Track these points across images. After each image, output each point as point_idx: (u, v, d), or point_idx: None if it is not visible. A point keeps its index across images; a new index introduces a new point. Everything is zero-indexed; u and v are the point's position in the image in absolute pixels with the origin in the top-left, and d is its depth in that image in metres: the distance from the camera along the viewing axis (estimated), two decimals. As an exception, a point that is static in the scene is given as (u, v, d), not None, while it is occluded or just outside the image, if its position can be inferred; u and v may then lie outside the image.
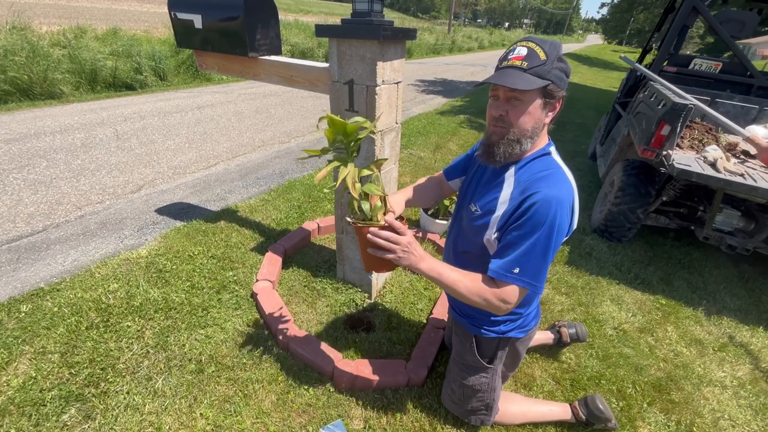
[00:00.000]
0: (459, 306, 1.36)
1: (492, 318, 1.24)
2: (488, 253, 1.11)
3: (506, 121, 1.00)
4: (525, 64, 0.94)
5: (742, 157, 2.57)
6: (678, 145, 2.66)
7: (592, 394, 1.56)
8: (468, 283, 1.05)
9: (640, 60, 4.57)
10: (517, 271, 0.99)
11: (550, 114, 1.02)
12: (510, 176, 1.06)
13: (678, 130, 2.34)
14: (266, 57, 1.89)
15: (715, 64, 3.48)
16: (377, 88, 1.53)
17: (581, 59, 22.86)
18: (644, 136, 2.52)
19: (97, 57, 6.30)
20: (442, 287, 1.08)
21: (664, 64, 3.53)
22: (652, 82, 3.03)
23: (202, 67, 2.17)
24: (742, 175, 2.23)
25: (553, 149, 1.08)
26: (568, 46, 38.17)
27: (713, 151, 2.40)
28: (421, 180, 1.47)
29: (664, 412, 1.70)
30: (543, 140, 1.07)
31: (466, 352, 1.36)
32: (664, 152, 2.41)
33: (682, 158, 2.42)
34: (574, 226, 1.05)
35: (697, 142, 2.71)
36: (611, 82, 13.26)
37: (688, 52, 5.61)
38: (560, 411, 1.55)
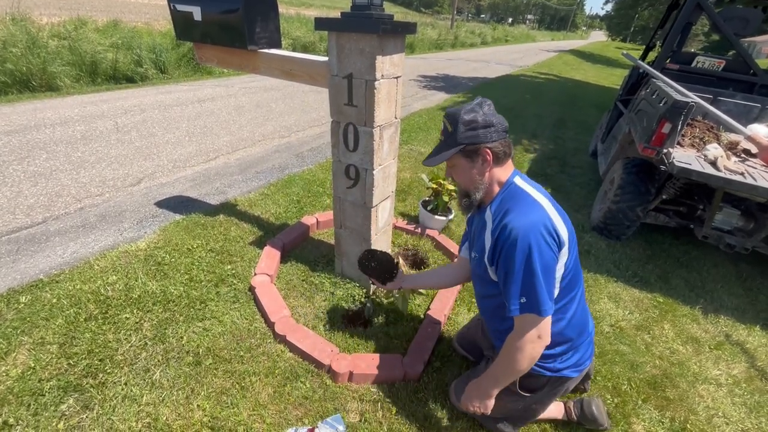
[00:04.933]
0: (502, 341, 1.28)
1: (544, 353, 1.17)
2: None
3: (454, 180, 1.27)
4: (442, 138, 1.21)
5: (742, 155, 2.56)
6: (679, 143, 2.65)
7: (588, 398, 1.54)
8: (502, 362, 1.18)
9: (643, 57, 4.54)
10: (524, 300, 1.06)
11: (486, 164, 1.17)
12: (488, 215, 1.19)
13: (679, 128, 2.34)
14: (266, 50, 1.88)
15: (718, 62, 3.46)
16: (376, 82, 1.53)
17: (584, 56, 22.74)
18: (645, 134, 2.51)
19: (97, 49, 6.28)
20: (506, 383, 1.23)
21: (667, 61, 3.50)
22: (654, 80, 3.02)
23: (201, 60, 2.16)
24: (742, 173, 2.22)
25: (516, 179, 1.19)
26: (572, 43, 37.96)
27: (714, 150, 2.39)
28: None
29: (659, 408, 1.71)
30: (502, 177, 1.20)
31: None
32: (665, 150, 2.40)
33: (683, 156, 2.41)
34: (564, 234, 1.09)
35: (698, 141, 2.71)
36: (614, 79, 13.19)
37: (692, 50, 5.57)
38: (553, 409, 1.55)
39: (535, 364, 1.20)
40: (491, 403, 1.25)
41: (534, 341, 1.09)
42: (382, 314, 1.99)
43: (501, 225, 1.10)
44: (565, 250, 1.09)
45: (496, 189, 1.20)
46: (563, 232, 1.08)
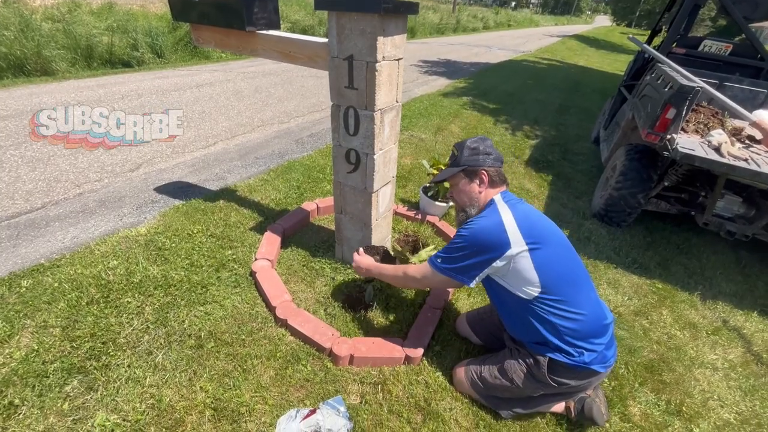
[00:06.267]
0: (521, 335, 1.46)
1: (570, 349, 1.33)
2: (504, 289, 1.37)
3: (454, 199, 1.53)
4: (448, 162, 1.54)
5: (747, 142, 2.54)
6: (683, 129, 2.62)
7: (591, 399, 1.51)
8: (392, 270, 1.62)
9: (649, 41, 4.46)
10: (439, 261, 1.41)
11: (483, 185, 1.42)
12: None
13: (683, 113, 2.30)
14: (264, 32, 1.84)
15: (726, 46, 3.40)
16: (377, 64, 1.50)
17: (588, 41, 22.33)
18: (649, 120, 2.48)
19: (92, 32, 6.16)
20: (379, 278, 1.69)
21: (673, 45, 3.44)
22: (659, 64, 2.97)
23: (198, 41, 2.12)
24: (746, 160, 2.21)
25: (497, 196, 1.41)
26: (576, 28, 37.27)
27: (718, 136, 2.36)
28: None
29: (655, 392, 1.73)
30: (489, 198, 1.43)
31: (533, 368, 1.39)
32: (669, 136, 2.38)
33: (686, 142, 2.39)
34: (515, 241, 1.27)
35: (702, 126, 2.67)
36: (618, 65, 12.98)
37: (698, 35, 5.47)
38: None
39: (566, 357, 1.33)
40: (360, 265, 1.70)
41: (416, 279, 1.51)
42: (382, 299, 2.00)
43: None
44: (511, 252, 1.27)
45: (483, 209, 1.45)
46: (513, 239, 1.27)
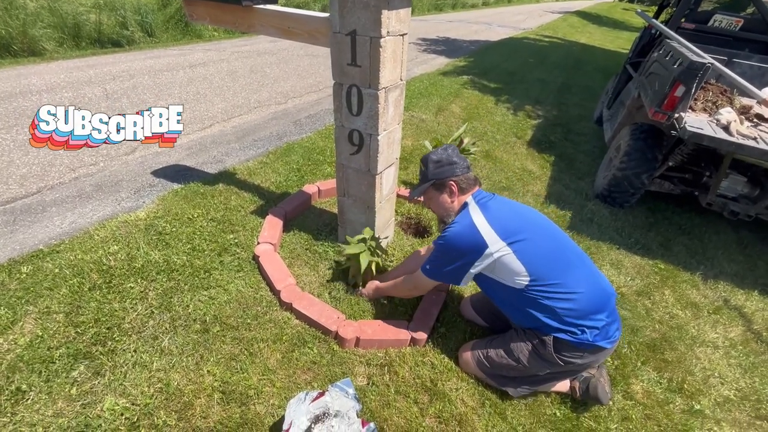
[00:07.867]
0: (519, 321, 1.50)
1: (574, 329, 1.35)
2: (496, 282, 1.41)
3: (432, 210, 1.60)
4: (420, 178, 1.56)
5: (755, 120, 2.50)
6: (690, 108, 2.57)
7: (595, 379, 1.51)
8: (392, 284, 1.76)
9: (656, 16, 4.32)
10: (428, 267, 1.51)
11: (453, 194, 1.48)
12: None
13: (693, 91, 2.25)
14: (261, 6, 1.76)
15: (736, 21, 3.30)
16: (382, 39, 1.43)
17: (590, 18, 21.77)
18: (656, 98, 2.43)
19: (79, 10, 5.92)
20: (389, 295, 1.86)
21: (682, 20, 3.33)
22: (668, 40, 2.88)
23: (192, 17, 2.02)
24: (754, 138, 2.17)
25: (470, 199, 1.46)
26: (577, 4, 36.27)
27: (727, 114, 2.32)
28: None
29: (657, 370, 1.76)
30: (462, 203, 1.48)
31: (539, 348, 1.40)
32: (677, 115, 2.33)
33: (695, 121, 2.34)
34: (490, 240, 1.32)
35: (710, 105, 2.62)
36: (620, 42, 12.70)
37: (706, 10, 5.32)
38: (560, 383, 1.57)
39: (570, 335, 1.34)
40: (367, 292, 1.88)
41: (414, 287, 1.65)
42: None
43: None
44: (490, 251, 1.32)
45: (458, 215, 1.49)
46: (489, 239, 1.32)
